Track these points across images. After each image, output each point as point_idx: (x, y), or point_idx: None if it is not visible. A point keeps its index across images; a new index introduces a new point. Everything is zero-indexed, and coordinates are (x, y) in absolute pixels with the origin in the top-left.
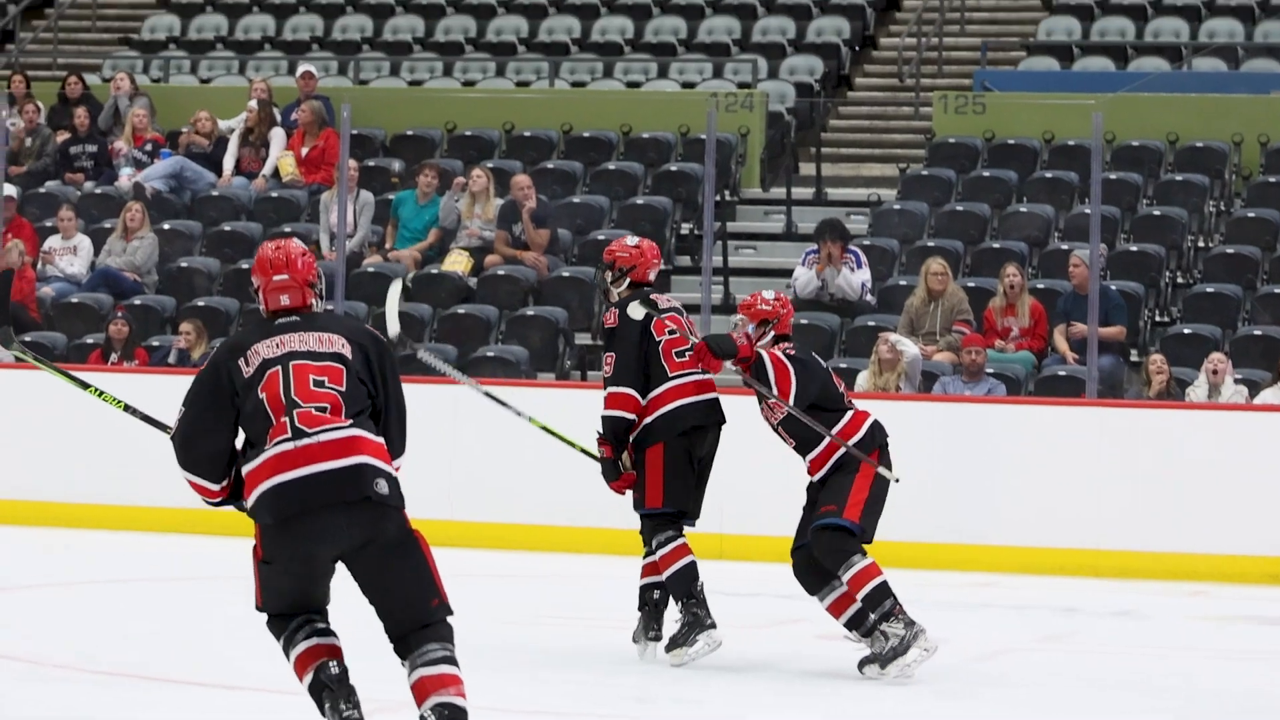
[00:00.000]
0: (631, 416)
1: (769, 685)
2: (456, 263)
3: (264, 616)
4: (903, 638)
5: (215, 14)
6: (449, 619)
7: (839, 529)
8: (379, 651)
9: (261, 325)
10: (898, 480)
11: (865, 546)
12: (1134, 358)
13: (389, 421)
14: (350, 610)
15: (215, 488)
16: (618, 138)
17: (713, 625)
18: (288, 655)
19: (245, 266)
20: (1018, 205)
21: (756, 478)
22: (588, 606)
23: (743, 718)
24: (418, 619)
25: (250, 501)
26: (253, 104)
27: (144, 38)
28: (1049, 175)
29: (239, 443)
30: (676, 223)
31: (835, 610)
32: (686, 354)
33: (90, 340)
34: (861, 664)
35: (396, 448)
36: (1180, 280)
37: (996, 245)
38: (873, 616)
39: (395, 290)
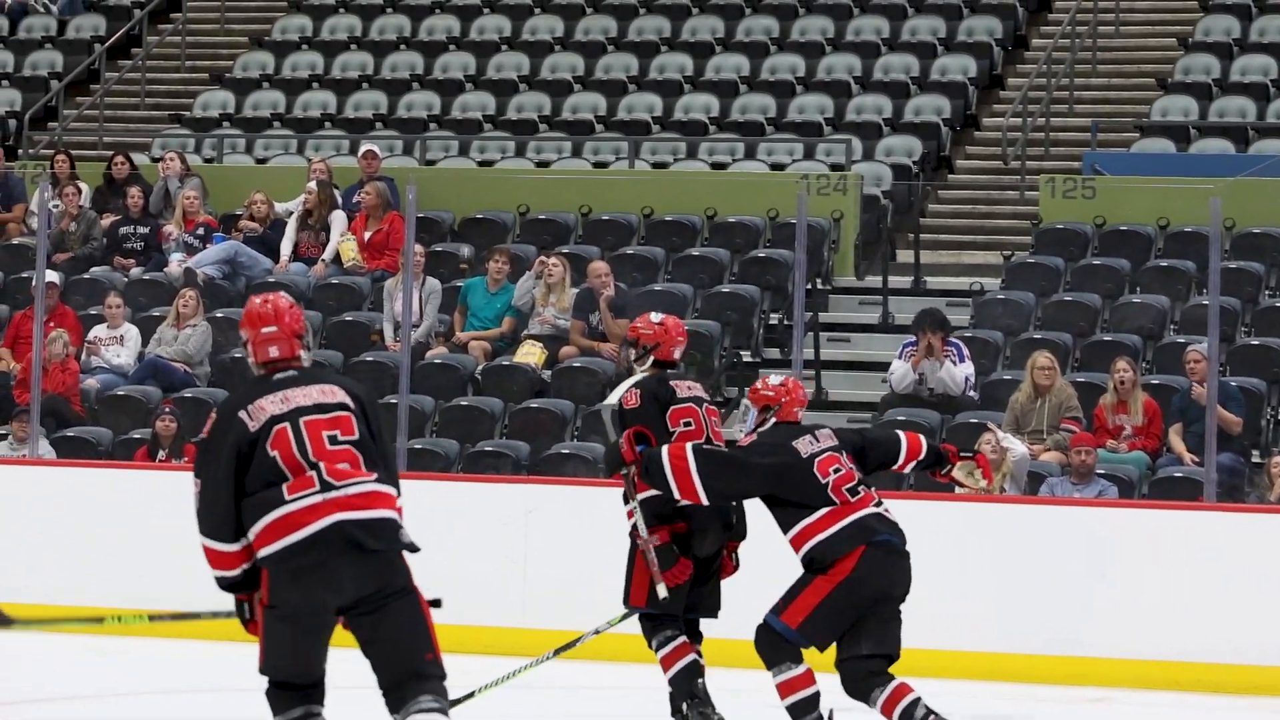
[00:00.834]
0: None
1: None
2: (529, 354)
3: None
4: None
5: (272, 90)
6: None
7: (774, 631)
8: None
9: (260, 382)
10: (665, 599)
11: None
12: (1255, 458)
13: (386, 465)
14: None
15: (234, 549)
16: (702, 222)
17: None
18: None
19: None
20: (1130, 295)
21: None
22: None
23: None
24: (413, 669)
25: (270, 550)
26: (312, 185)
27: (195, 115)
28: (1164, 264)
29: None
30: (765, 312)
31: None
32: None
33: (137, 435)
34: None
35: (391, 483)
36: None
37: (1108, 338)
38: None
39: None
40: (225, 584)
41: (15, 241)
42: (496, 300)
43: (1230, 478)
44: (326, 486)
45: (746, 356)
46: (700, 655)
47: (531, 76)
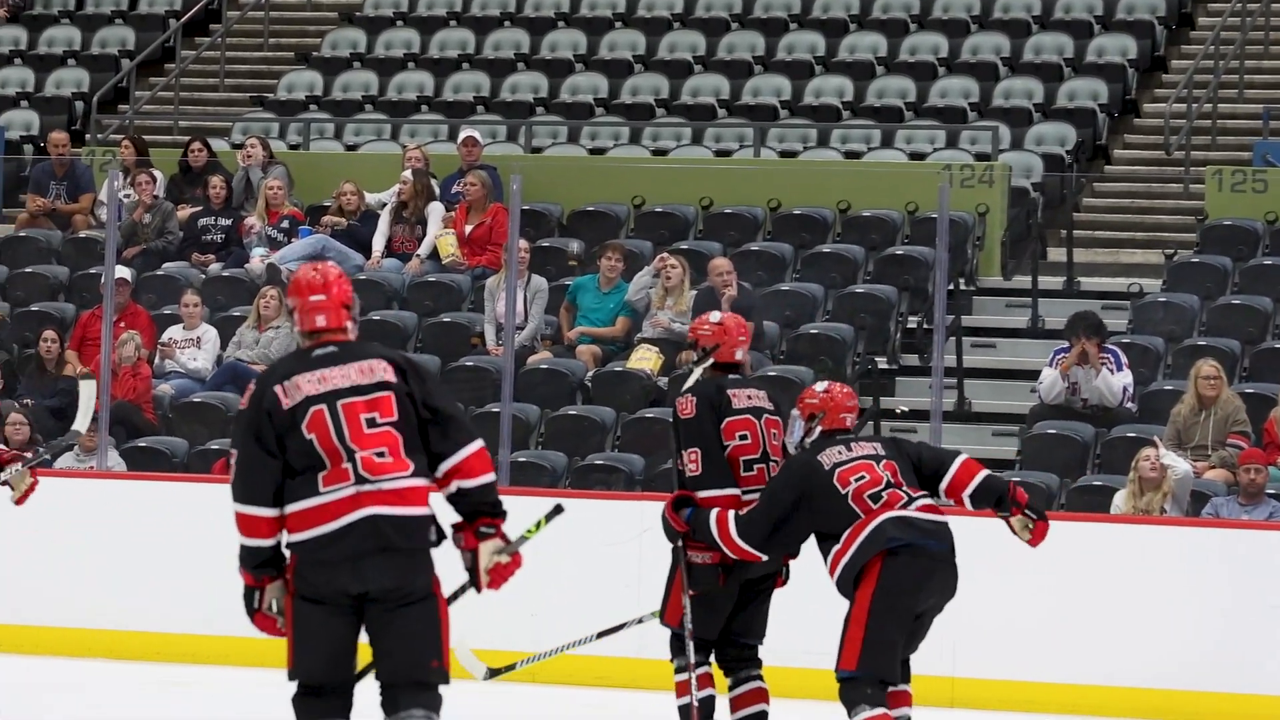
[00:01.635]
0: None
1: None
2: (644, 359)
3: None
4: None
5: (364, 70)
6: (441, 688)
7: (841, 681)
8: None
9: (300, 357)
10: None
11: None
12: None
13: (446, 424)
14: None
15: (273, 514)
16: (834, 215)
17: None
18: None
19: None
20: None
21: (992, 615)
22: None
23: None
24: (412, 675)
25: (300, 537)
26: (407, 174)
27: (280, 97)
28: None
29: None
30: (903, 315)
31: None
32: (755, 466)
33: (215, 446)
34: None
35: (461, 439)
36: None
37: (1279, 345)
38: None
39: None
40: (252, 558)
41: (83, 235)
42: (609, 300)
43: None
44: (361, 480)
45: (882, 364)
46: (762, 681)
47: (647, 56)
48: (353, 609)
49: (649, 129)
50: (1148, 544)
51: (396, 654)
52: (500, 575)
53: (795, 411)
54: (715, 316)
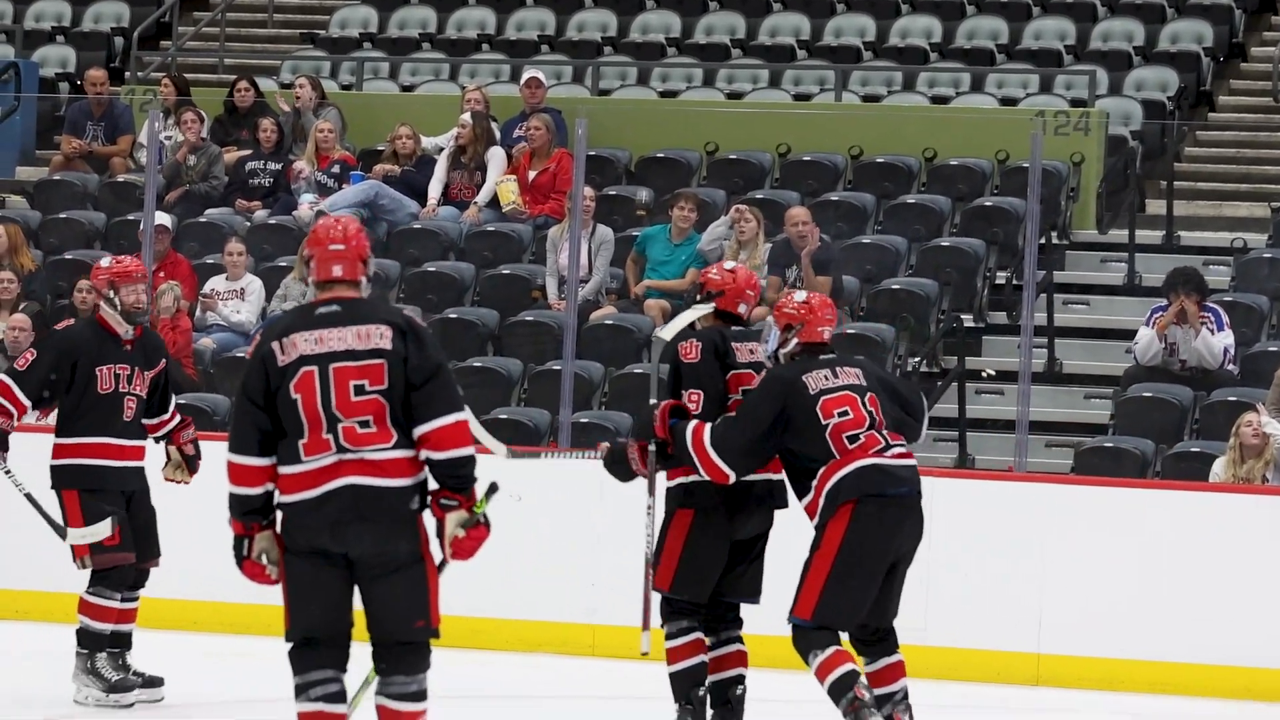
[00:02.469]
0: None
1: None
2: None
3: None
4: None
5: (421, 6)
6: (431, 641)
7: (795, 629)
8: None
9: (303, 312)
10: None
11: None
12: None
13: (432, 393)
14: None
15: (260, 463)
16: (919, 164)
17: None
18: (296, 699)
19: (453, 316)
20: None
21: (1080, 590)
22: None
23: None
24: (398, 635)
25: (285, 500)
26: (466, 117)
27: (332, 34)
28: None
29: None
30: (990, 270)
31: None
32: None
33: None
34: None
35: (440, 409)
36: None
37: None
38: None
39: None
40: (240, 506)
41: (121, 178)
42: (680, 252)
43: None
44: (342, 450)
45: (968, 321)
46: (742, 644)
47: None
48: (344, 562)
49: (723, 70)
50: (1248, 515)
51: (382, 618)
52: (462, 547)
53: (770, 318)
54: (729, 264)
